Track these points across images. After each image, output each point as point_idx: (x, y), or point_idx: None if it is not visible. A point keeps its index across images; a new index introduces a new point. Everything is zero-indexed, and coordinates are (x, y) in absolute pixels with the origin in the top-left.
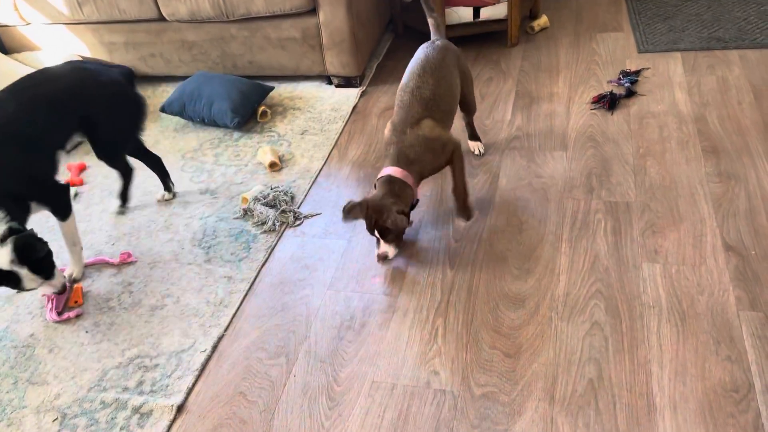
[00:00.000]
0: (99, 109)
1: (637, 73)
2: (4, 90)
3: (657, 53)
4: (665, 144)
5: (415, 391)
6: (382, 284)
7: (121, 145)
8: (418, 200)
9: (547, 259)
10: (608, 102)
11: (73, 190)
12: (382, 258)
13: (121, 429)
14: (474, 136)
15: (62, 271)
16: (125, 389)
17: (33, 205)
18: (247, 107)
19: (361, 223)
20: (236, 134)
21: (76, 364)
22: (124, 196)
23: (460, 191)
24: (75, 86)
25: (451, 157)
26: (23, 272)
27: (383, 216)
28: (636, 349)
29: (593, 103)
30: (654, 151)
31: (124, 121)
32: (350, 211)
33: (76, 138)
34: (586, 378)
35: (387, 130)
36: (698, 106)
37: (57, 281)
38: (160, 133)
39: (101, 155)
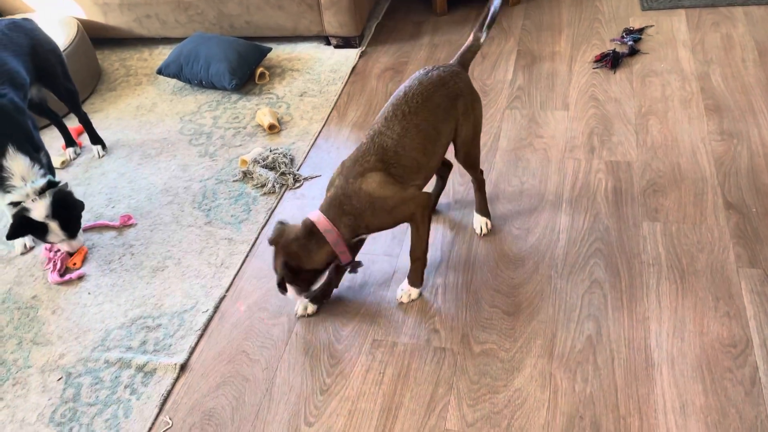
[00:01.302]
0: None
1: (641, 31)
2: None
3: (661, 11)
4: (668, 103)
5: (415, 349)
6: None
7: None
8: (358, 263)
9: (547, 219)
10: (611, 61)
11: (72, 150)
12: (283, 293)
13: (125, 387)
14: (482, 209)
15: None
16: (129, 349)
17: None
18: (245, 69)
19: None
20: (234, 96)
21: (79, 324)
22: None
23: (417, 256)
24: None
25: (410, 217)
26: (53, 225)
27: (278, 262)
28: (635, 306)
29: (596, 62)
30: (656, 110)
31: None
32: (273, 238)
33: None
34: (584, 335)
35: (337, 168)
36: (702, 64)
37: (77, 242)
38: (157, 96)
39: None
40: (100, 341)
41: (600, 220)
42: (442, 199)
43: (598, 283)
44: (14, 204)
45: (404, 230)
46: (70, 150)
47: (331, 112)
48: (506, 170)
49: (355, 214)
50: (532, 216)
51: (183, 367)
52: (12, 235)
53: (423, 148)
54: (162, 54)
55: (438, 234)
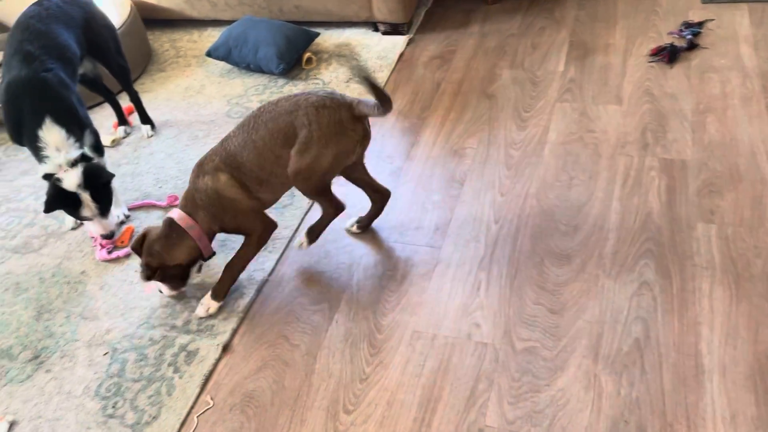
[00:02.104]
0: None
1: (700, 24)
2: None
3: (722, 4)
4: (727, 100)
5: (456, 343)
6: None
7: None
8: (213, 253)
9: (596, 216)
10: (668, 55)
11: (123, 129)
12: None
13: (169, 365)
14: (312, 230)
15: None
16: (173, 327)
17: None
18: (293, 53)
19: (404, 175)
20: (281, 81)
21: (125, 301)
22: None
23: (233, 269)
24: None
25: (251, 231)
26: (85, 197)
27: (145, 259)
28: (686, 311)
29: (652, 55)
30: (715, 108)
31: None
32: (133, 244)
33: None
34: (632, 337)
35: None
36: (765, 61)
37: (110, 222)
38: (206, 78)
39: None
40: (146, 318)
41: (652, 219)
42: (489, 195)
43: (647, 285)
44: (48, 177)
45: (448, 221)
46: (122, 129)
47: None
48: (554, 164)
49: (206, 208)
50: (581, 212)
51: (225, 348)
52: (48, 207)
53: (260, 165)
54: (211, 36)
55: (482, 227)
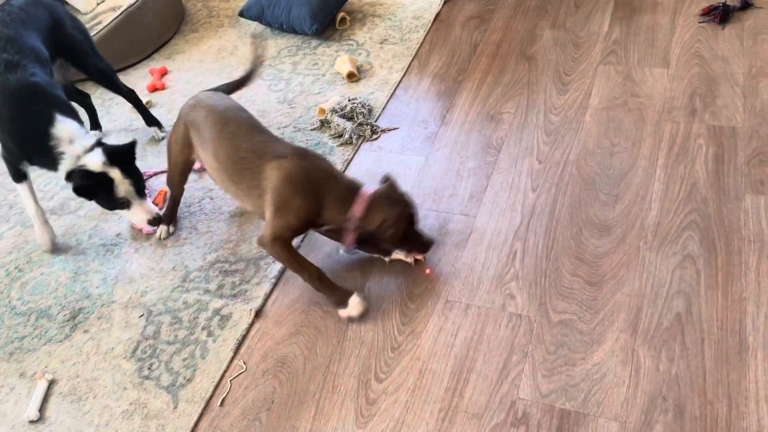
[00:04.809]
0: None
1: None
2: None
3: None
4: None
5: (489, 313)
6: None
7: None
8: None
9: (638, 185)
10: (720, 14)
11: (146, 98)
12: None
13: (202, 329)
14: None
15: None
16: (206, 291)
17: None
18: (326, 13)
19: (438, 141)
20: (314, 42)
21: (160, 264)
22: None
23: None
24: None
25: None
26: (115, 174)
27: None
28: (731, 286)
29: (703, 15)
30: None
31: None
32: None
33: None
34: (673, 311)
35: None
36: None
37: (150, 205)
38: (238, 39)
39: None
40: (180, 282)
41: (697, 189)
42: (527, 162)
43: (691, 258)
44: (70, 174)
45: (483, 188)
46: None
47: (411, 61)
48: (596, 130)
49: None
50: (623, 181)
51: (258, 314)
52: (81, 193)
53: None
54: None
55: (518, 195)
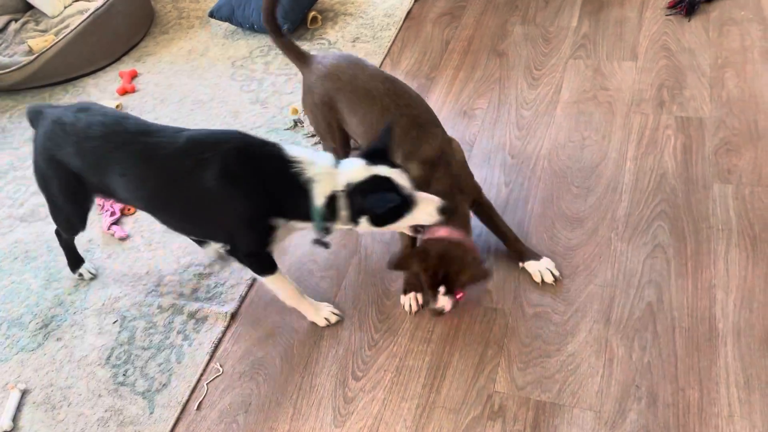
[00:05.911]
0: None
1: None
2: None
3: None
4: (747, 54)
5: (465, 308)
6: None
7: None
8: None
9: (609, 178)
10: (686, 7)
11: (116, 101)
12: (438, 313)
13: (178, 333)
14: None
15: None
16: (181, 295)
17: None
18: (297, 12)
19: None
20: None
21: (133, 269)
22: None
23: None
24: None
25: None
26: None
27: (456, 267)
28: (700, 274)
29: (669, 8)
30: (734, 62)
31: None
32: (402, 264)
33: None
34: (644, 301)
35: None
36: None
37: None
38: (209, 40)
39: None
40: (154, 286)
41: (667, 180)
42: (499, 157)
43: (661, 248)
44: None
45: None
46: None
47: (384, 59)
48: (567, 124)
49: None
50: (594, 174)
51: (233, 316)
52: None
53: None
54: None
55: (492, 190)
